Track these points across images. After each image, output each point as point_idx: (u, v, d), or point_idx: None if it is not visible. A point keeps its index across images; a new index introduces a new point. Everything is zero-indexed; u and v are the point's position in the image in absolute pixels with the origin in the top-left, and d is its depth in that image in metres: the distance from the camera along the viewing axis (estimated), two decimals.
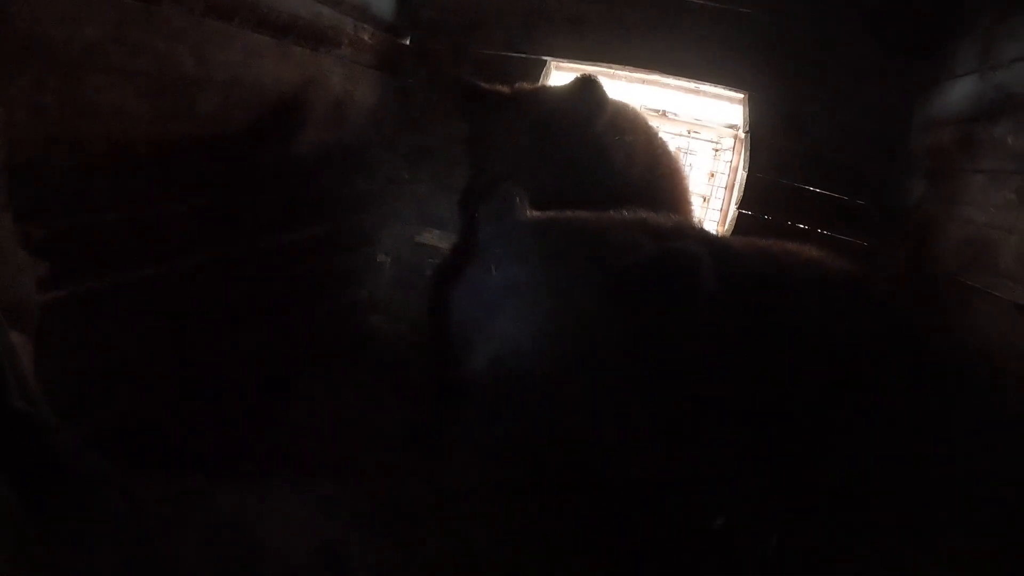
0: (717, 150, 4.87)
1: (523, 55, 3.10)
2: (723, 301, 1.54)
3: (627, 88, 3.91)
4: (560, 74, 3.23)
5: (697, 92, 4.07)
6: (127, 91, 1.62)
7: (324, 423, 1.96)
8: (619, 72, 3.29)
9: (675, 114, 4.44)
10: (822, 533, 1.56)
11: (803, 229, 2.88)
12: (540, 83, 3.00)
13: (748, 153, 2.98)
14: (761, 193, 2.95)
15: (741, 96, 3.14)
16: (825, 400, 1.56)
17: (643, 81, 3.96)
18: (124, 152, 1.65)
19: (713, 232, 2.83)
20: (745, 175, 2.96)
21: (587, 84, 2.21)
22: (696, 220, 2.81)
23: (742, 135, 4.13)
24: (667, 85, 4.05)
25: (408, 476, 1.65)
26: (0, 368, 0.93)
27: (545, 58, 3.12)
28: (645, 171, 2.30)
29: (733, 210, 3.07)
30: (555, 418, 1.57)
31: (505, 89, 2.35)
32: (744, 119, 3.04)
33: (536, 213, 1.71)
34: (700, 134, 4.72)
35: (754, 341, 1.57)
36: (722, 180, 4.52)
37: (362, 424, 2.06)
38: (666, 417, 1.59)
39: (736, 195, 3.03)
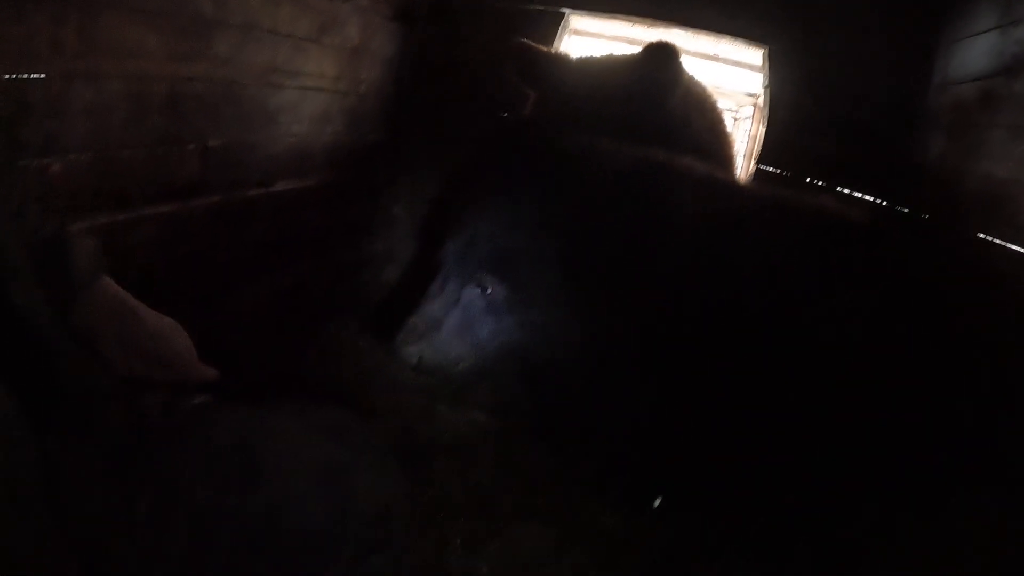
0: (736, 119, 4.78)
1: (541, 7, 3.02)
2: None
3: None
4: (580, 20, 3.16)
5: (716, 58, 4.00)
6: (145, 30, 1.60)
7: (337, 366, 1.94)
8: (638, 25, 3.21)
9: None
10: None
11: (821, 186, 2.81)
12: (558, 36, 2.94)
13: (767, 109, 2.90)
14: (780, 149, 2.88)
15: (761, 56, 3.06)
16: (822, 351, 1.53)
17: None
18: (140, 90, 1.64)
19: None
20: (763, 130, 2.89)
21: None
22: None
23: (761, 102, 4.06)
24: (686, 51, 3.97)
25: (421, 416, 1.65)
26: (2, 264, 0.92)
27: (563, 10, 3.04)
28: (705, 145, 2.24)
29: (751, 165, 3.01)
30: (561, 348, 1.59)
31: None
32: (764, 74, 2.97)
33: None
34: (719, 102, 4.63)
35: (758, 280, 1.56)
36: (741, 148, 4.45)
37: (376, 370, 2.04)
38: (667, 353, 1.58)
39: (755, 150, 2.97)
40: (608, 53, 2.52)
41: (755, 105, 4.24)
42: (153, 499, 0.95)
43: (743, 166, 4.25)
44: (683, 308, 1.57)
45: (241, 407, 1.14)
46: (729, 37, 3.00)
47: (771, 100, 2.91)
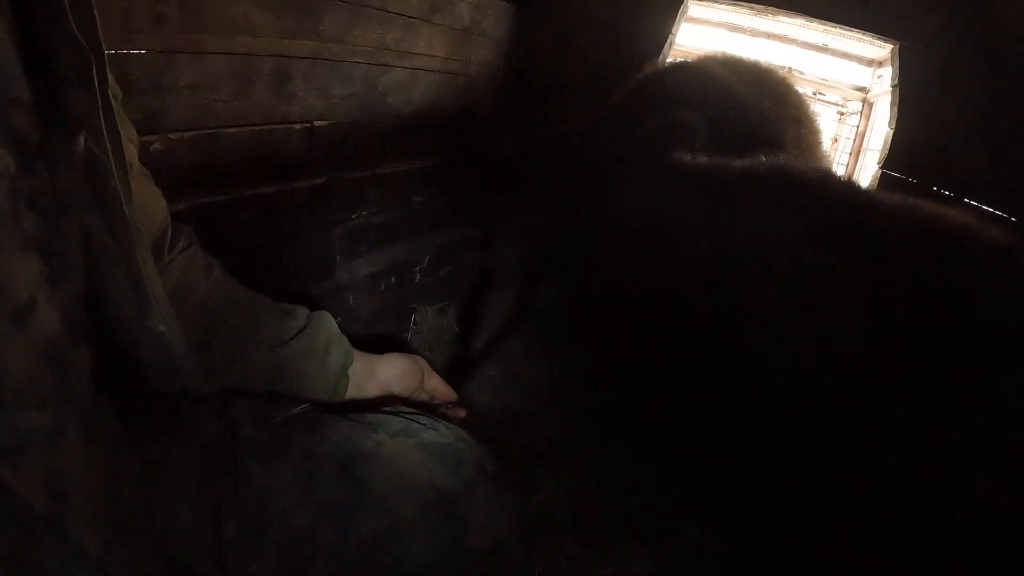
0: (842, 114, 4.46)
1: None
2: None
3: (752, 43, 3.57)
4: (697, 8, 2.90)
5: (824, 50, 3.68)
6: (250, 5, 1.46)
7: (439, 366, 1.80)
8: (760, 15, 2.93)
9: (801, 72, 4.07)
10: None
11: (948, 196, 2.48)
12: (675, 23, 2.70)
13: (896, 109, 2.58)
14: (906, 153, 2.56)
15: (887, 51, 2.74)
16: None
17: (768, 36, 3.60)
18: (245, 67, 1.50)
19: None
20: (891, 133, 2.57)
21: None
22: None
23: (871, 98, 3.71)
24: (794, 40, 3.67)
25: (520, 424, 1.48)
26: (144, 291, 0.80)
27: None
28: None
29: (874, 171, 2.70)
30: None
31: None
32: (893, 72, 2.64)
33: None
34: (825, 96, 4.33)
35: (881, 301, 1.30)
36: (846, 145, 4.13)
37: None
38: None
39: (880, 154, 2.66)
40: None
41: (863, 100, 3.91)
42: (243, 521, 0.82)
43: (848, 165, 3.93)
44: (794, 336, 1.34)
45: (344, 420, 0.99)
46: (859, 31, 2.67)
47: (900, 100, 2.58)
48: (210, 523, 0.80)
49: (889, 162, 2.59)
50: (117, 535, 0.69)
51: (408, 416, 1.05)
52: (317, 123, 1.77)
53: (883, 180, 2.61)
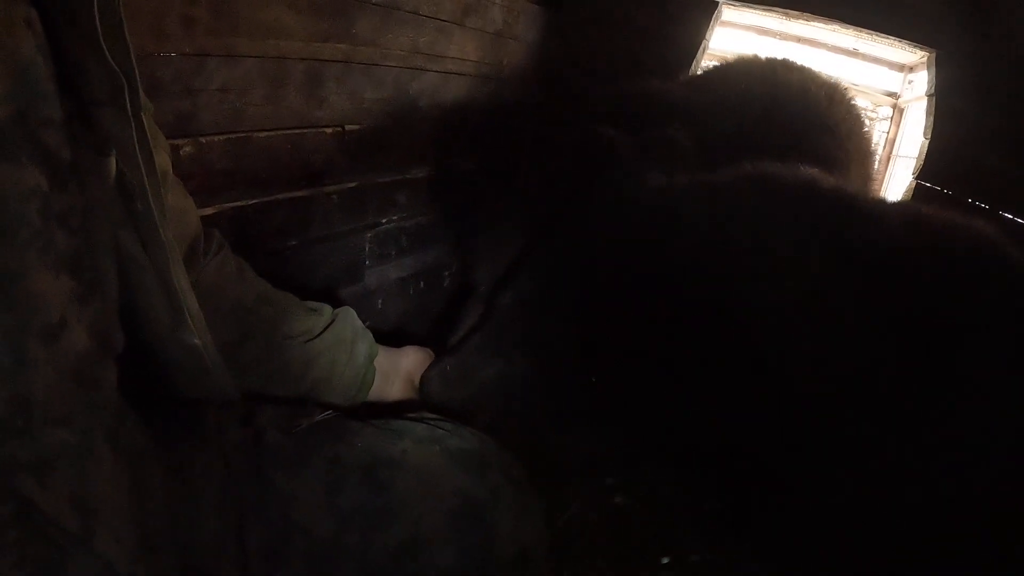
0: (873, 119, 4.36)
1: None
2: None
3: (781, 47, 3.49)
4: (731, 11, 2.82)
5: (855, 54, 3.59)
6: (282, 8, 1.42)
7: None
8: (792, 19, 2.84)
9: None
10: None
11: (983, 208, 2.39)
12: (710, 27, 2.62)
13: (932, 118, 2.48)
14: (942, 164, 2.47)
15: (916, 56, 2.64)
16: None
17: (798, 40, 3.51)
18: (277, 70, 1.46)
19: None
20: (927, 143, 2.48)
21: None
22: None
23: (902, 104, 3.61)
24: (823, 44, 3.58)
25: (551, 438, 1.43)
26: (178, 305, 0.80)
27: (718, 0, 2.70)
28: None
29: (907, 182, 2.62)
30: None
31: None
32: (929, 80, 2.55)
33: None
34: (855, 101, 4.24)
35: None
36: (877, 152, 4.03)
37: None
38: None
39: (916, 164, 2.57)
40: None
41: (894, 106, 3.81)
42: (268, 530, 0.81)
43: (879, 172, 3.83)
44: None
45: (369, 427, 0.97)
46: (894, 38, 2.58)
47: (936, 109, 2.49)
48: (234, 532, 0.79)
49: (924, 172, 2.50)
50: (144, 549, 0.68)
51: (433, 423, 1.04)
52: (348, 127, 1.73)
53: (918, 191, 2.51)
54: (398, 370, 1.29)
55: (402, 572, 0.83)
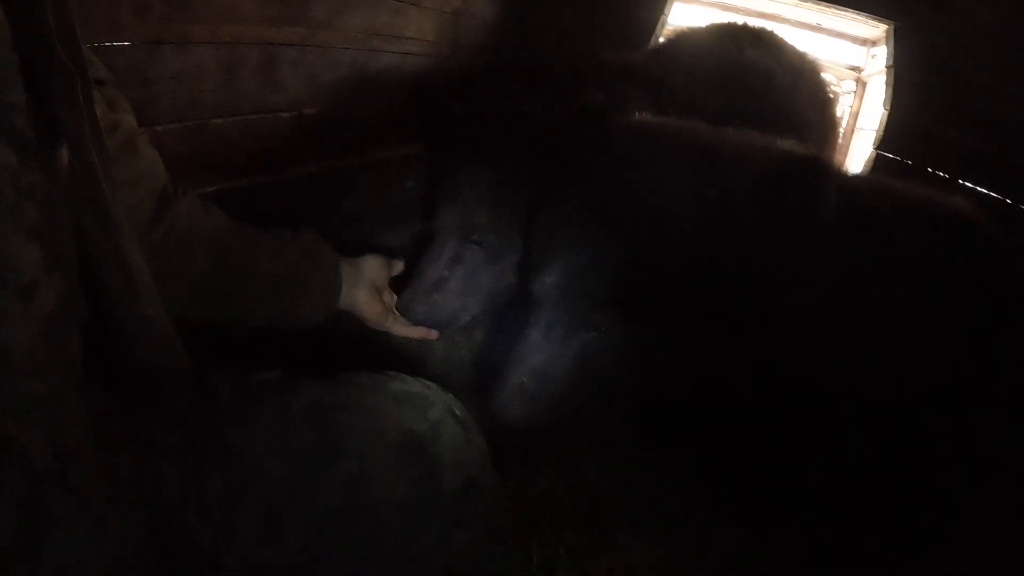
0: (837, 94, 4.41)
1: None
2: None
3: (744, 21, 3.51)
4: None
5: (818, 29, 3.63)
6: None
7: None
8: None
9: None
10: None
11: (943, 178, 2.45)
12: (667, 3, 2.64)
13: (891, 90, 2.53)
14: (901, 135, 2.52)
15: (878, 31, 2.69)
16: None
17: (761, 15, 3.54)
18: (232, 56, 1.46)
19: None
20: (886, 114, 2.53)
21: None
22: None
23: (864, 77, 3.67)
24: (787, 20, 3.61)
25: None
26: (132, 279, 0.86)
27: None
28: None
29: (867, 153, 2.67)
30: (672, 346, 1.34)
31: None
32: (888, 53, 2.60)
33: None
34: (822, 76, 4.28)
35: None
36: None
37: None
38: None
39: (876, 136, 2.62)
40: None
41: (857, 80, 3.86)
42: (225, 478, 0.86)
43: (842, 145, 3.89)
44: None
45: (315, 380, 1.00)
46: (854, 11, 2.62)
47: (896, 80, 2.53)
48: (195, 484, 0.84)
49: (884, 143, 2.56)
50: (116, 495, 0.75)
51: (375, 371, 1.07)
52: (306, 111, 1.73)
53: (878, 161, 2.57)
54: (362, 275, 1.39)
55: (353, 506, 0.87)
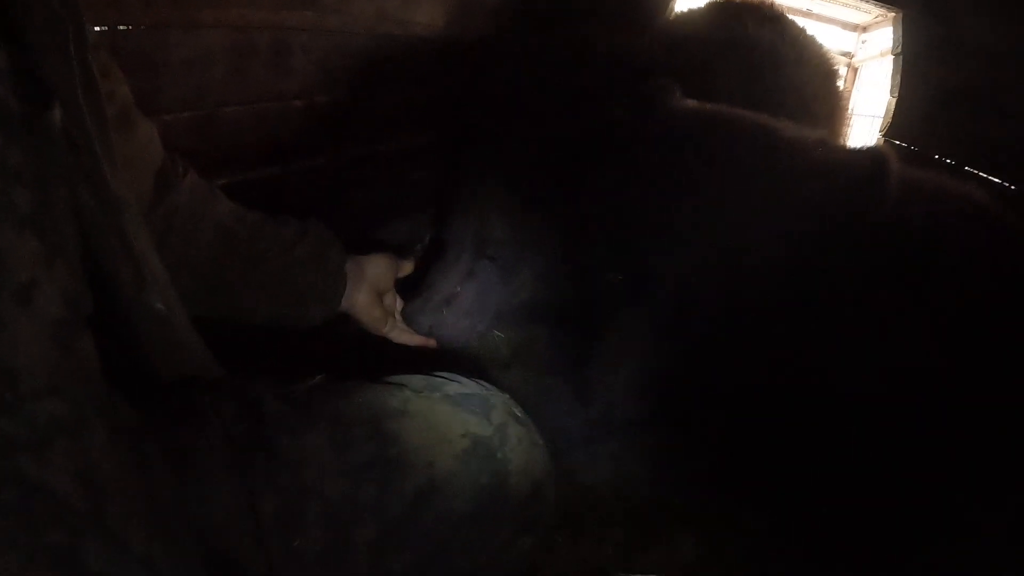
0: (838, 63, 4.41)
1: None
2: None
3: None
4: None
5: (808, 15, 3.61)
6: None
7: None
8: None
9: None
10: None
11: (949, 164, 2.44)
12: None
13: (899, 77, 2.52)
14: (907, 121, 2.50)
15: (870, 16, 2.67)
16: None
17: None
18: (242, 42, 1.39)
19: None
20: (893, 101, 2.51)
21: None
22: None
23: (856, 63, 3.66)
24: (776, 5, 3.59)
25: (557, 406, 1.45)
26: (139, 266, 0.76)
27: None
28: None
29: (868, 139, 2.67)
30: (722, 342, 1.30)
31: None
32: (896, 39, 2.58)
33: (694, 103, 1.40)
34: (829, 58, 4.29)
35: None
36: None
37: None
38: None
39: (883, 122, 2.61)
40: None
41: (848, 65, 3.86)
42: (281, 498, 0.79)
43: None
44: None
45: (366, 383, 0.96)
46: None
47: (903, 67, 2.52)
48: (247, 505, 0.77)
49: (891, 130, 2.54)
50: (158, 528, 0.65)
51: (428, 372, 1.03)
52: (317, 98, 1.67)
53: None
54: (365, 277, 1.29)
55: (422, 519, 0.83)
